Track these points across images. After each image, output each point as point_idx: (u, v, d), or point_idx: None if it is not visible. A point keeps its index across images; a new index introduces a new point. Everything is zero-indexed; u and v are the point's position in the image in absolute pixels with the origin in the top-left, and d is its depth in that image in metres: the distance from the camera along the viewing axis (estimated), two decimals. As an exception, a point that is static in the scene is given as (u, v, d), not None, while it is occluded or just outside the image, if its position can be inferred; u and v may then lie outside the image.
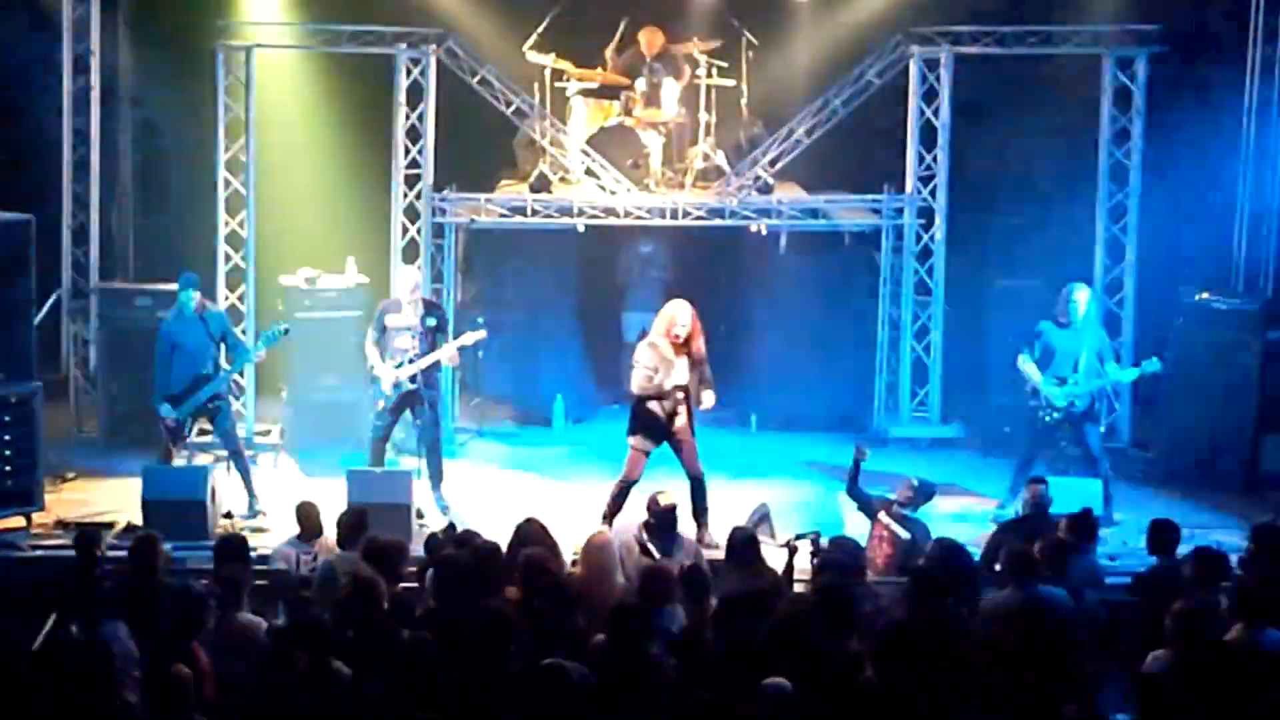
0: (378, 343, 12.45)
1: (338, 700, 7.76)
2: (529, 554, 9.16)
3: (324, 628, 8.08)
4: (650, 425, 11.70)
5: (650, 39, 14.78)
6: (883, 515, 10.81)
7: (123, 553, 9.96)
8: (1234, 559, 9.94)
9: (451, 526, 10.56)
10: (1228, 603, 8.61)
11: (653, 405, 11.66)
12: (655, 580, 8.81)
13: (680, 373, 11.60)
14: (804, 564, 9.88)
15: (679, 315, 11.59)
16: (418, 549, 10.94)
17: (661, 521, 10.24)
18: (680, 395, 11.64)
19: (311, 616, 8.37)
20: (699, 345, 11.65)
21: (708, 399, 11.73)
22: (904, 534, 10.60)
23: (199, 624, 8.33)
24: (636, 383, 11.65)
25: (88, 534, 10.09)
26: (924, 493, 10.89)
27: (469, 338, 12.55)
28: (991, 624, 8.74)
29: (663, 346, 11.59)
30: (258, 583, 9.50)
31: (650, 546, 10.11)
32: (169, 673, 7.66)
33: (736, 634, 8.15)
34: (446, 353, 12.45)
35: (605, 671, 7.82)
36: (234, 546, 9.71)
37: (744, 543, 9.71)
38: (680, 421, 11.70)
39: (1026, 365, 12.45)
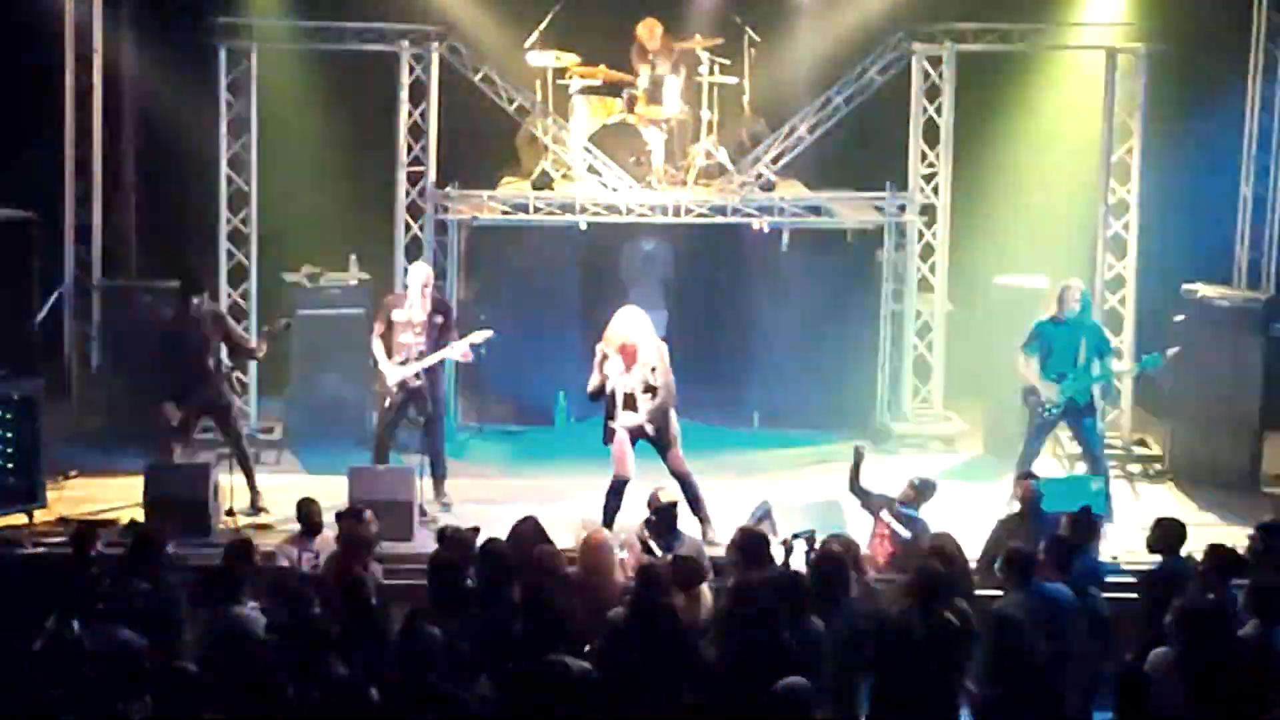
0: (383, 336, 12.48)
1: (339, 696, 7.77)
2: (539, 552, 9.17)
3: (325, 625, 8.10)
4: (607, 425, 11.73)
5: (649, 29, 14.78)
6: (884, 514, 10.81)
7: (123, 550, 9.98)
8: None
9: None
10: (1243, 600, 8.60)
11: (613, 404, 11.67)
12: (651, 577, 8.82)
13: (630, 378, 11.60)
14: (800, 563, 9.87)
15: (618, 329, 11.59)
16: (420, 546, 11.02)
17: (662, 518, 10.26)
18: (635, 398, 11.65)
19: (313, 614, 8.39)
20: (644, 358, 11.60)
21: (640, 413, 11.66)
22: (905, 533, 10.60)
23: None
24: (590, 383, 11.71)
25: (83, 531, 10.11)
26: (925, 491, 10.89)
27: (476, 336, 12.56)
28: (999, 625, 8.72)
29: (612, 354, 11.61)
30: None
31: (653, 544, 10.12)
32: (174, 669, 7.67)
33: (745, 629, 8.18)
34: (455, 351, 12.48)
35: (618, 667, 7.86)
36: (239, 548, 9.67)
37: (752, 541, 9.69)
38: (631, 421, 11.67)
39: (1025, 364, 12.45)
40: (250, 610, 8.78)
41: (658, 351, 11.64)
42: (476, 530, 10.09)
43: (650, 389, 11.59)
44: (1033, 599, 8.82)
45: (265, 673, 7.89)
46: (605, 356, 11.60)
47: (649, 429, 11.64)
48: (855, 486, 11.04)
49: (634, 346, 11.57)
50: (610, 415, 11.73)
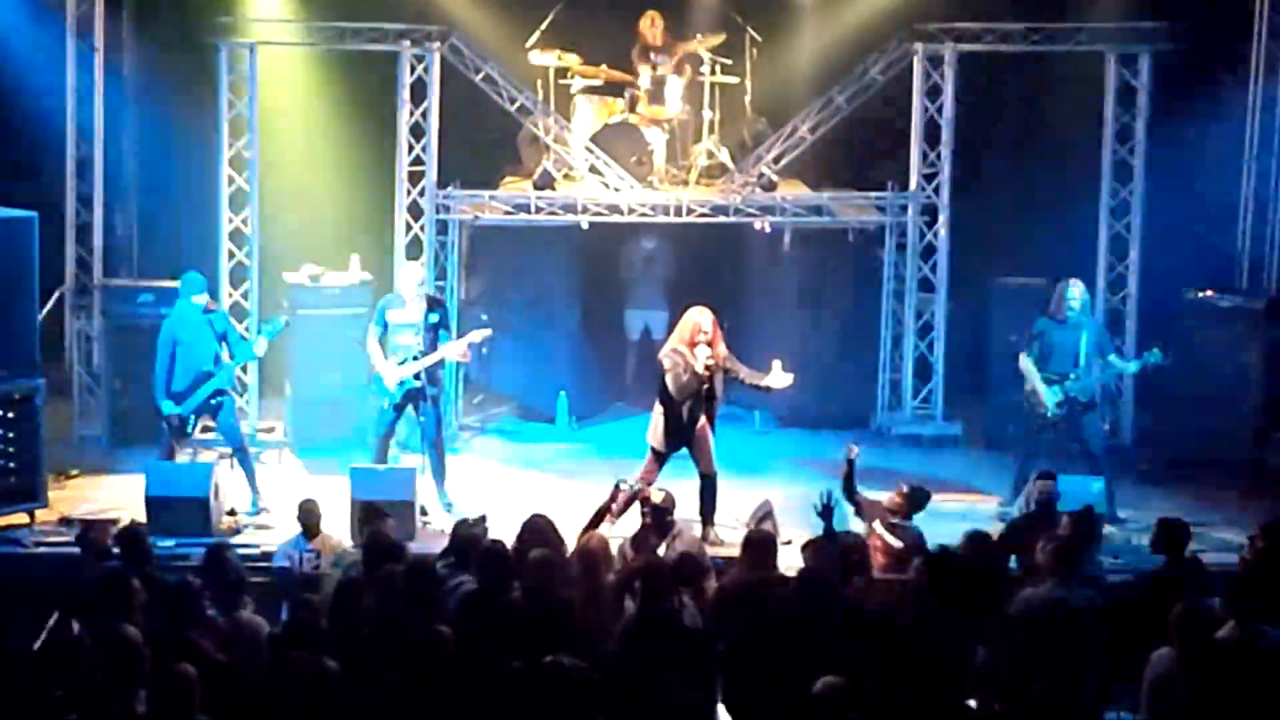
0: (381, 339, 12.48)
1: (342, 699, 7.77)
2: (535, 556, 9.15)
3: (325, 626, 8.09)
4: (673, 430, 11.79)
5: (650, 21, 14.77)
6: (876, 524, 10.70)
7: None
8: (1235, 558, 9.98)
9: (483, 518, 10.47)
10: (1220, 602, 8.58)
11: (677, 410, 11.72)
12: (651, 575, 8.82)
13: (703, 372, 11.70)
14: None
15: (703, 322, 11.70)
16: (421, 546, 11.00)
17: (658, 518, 10.23)
18: (702, 398, 11.76)
19: (315, 616, 8.38)
20: (720, 350, 11.74)
21: (783, 378, 11.89)
22: (896, 543, 10.47)
23: (194, 616, 8.30)
24: (674, 386, 11.70)
25: (96, 530, 10.10)
26: (916, 500, 10.68)
27: (475, 335, 12.56)
28: (1028, 621, 8.69)
29: (686, 352, 11.65)
30: (257, 580, 9.53)
31: (650, 543, 10.10)
32: (173, 671, 7.65)
33: (739, 629, 8.19)
34: (455, 350, 12.47)
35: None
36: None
37: (760, 544, 9.60)
38: (700, 422, 11.80)
39: (1027, 367, 12.45)
40: (253, 616, 8.78)
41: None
42: (483, 518, 10.09)
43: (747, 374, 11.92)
44: (1070, 598, 8.80)
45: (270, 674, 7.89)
46: (681, 355, 11.65)
47: (707, 425, 11.82)
48: (849, 493, 10.93)
49: (718, 342, 11.80)
50: (679, 418, 11.76)
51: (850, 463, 10.97)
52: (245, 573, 9.17)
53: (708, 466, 11.88)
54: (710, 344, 11.72)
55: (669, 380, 11.75)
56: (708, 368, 11.70)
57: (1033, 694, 7.68)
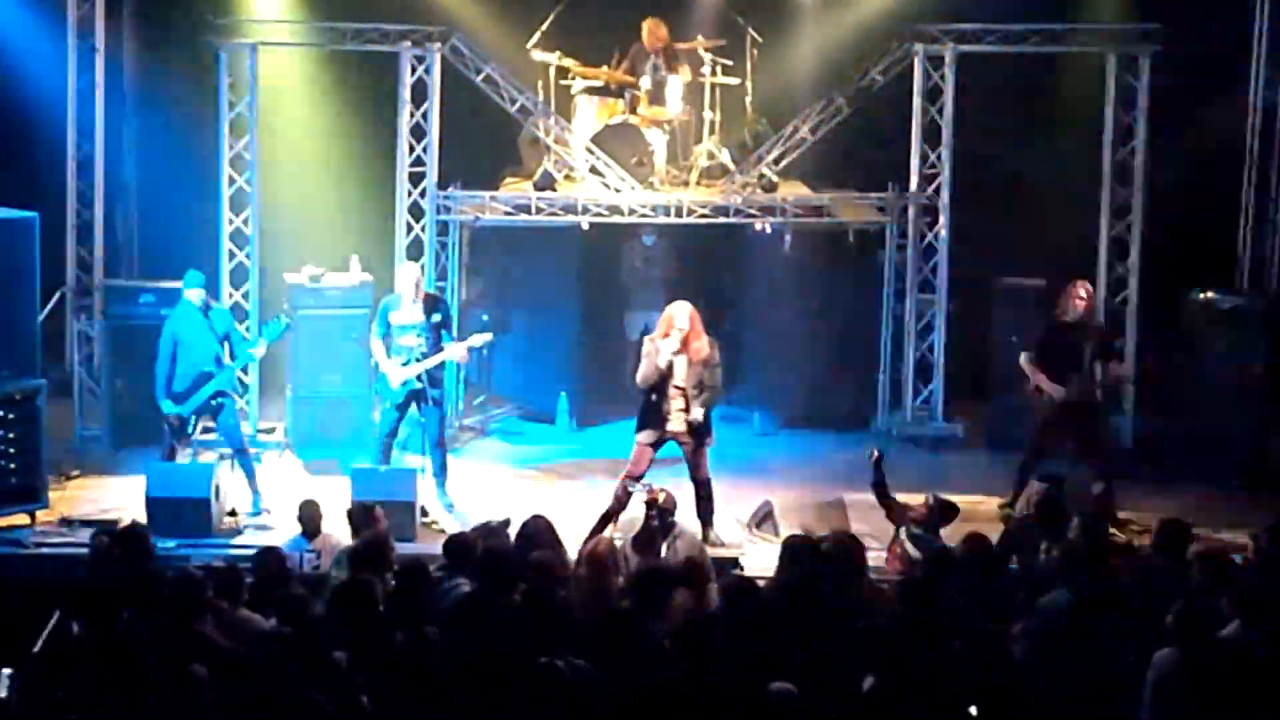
0: (383, 338, 12.48)
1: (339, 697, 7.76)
2: (535, 558, 9.16)
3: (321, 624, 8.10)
4: (654, 419, 11.73)
5: (653, 29, 14.78)
6: (901, 533, 10.65)
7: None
8: (1237, 558, 9.95)
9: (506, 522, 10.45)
10: (1228, 603, 8.57)
11: (657, 401, 11.69)
12: (648, 579, 8.80)
13: (679, 372, 11.63)
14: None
15: (676, 316, 11.64)
16: (421, 547, 11.01)
17: (660, 519, 10.22)
18: (680, 395, 11.68)
19: (310, 613, 8.38)
20: (698, 347, 11.66)
21: (693, 412, 11.71)
22: (916, 553, 10.41)
23: (200, 609, 8.30)
24: (640, 374, 11.69)
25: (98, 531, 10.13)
26: (943, 513, 10.58)
27: (476, 339, 12.58)
28: (1048, 623, 8.67)
29: (662, 345, 11.62)
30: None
31: (652, 543, 10.10)
32: (184, 672, 7.63)
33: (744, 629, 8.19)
34: (455, 352, 12.49)
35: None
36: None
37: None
38: (682, 424, 11.71)
39: (1028, 365, 12.46)
40: (251, 614, 8.77)
41: (714, 349, 11.75)
42: (507, 522, 10.08)
43: (705, 387, 11.69)
44: (1084, 600, 8.77)
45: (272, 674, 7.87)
46: (658, 349, 11.60)
47: (694, 428, 11.71)
48: (882, 494, 10.85)
49: (696, 338, 11.65)
50: (655, 409, 11.72)
51: (877, 466, 10.90)
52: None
53: (696, 474, 11.82)
54: (686, 339, 11.62)
55: (640, 368, 11.74)
56: (676, 387, 11.61)
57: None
